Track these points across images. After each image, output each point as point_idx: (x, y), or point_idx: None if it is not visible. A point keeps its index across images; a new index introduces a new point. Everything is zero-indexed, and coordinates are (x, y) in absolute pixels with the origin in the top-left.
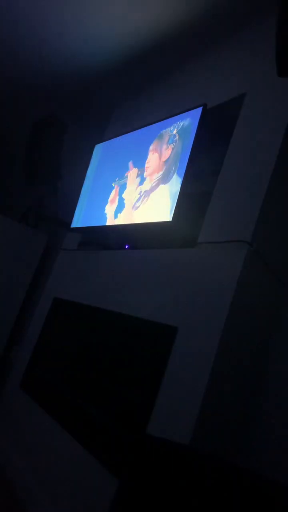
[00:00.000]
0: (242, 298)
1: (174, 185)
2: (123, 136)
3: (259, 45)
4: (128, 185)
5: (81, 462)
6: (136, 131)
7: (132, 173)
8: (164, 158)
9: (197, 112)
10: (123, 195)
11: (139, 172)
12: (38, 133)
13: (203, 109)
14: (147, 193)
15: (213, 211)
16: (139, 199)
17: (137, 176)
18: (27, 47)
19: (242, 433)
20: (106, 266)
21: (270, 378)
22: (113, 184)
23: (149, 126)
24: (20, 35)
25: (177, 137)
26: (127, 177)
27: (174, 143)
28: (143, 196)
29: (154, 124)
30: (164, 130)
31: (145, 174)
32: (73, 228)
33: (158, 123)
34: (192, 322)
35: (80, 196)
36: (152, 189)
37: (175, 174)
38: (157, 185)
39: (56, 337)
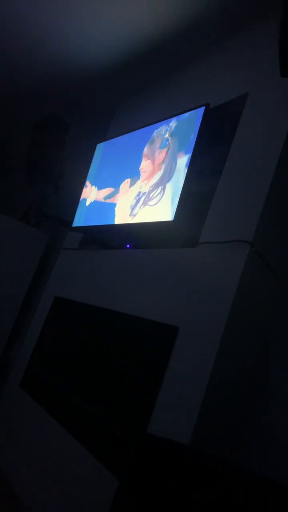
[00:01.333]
0: (243, 298)
1: (176, 183)
2: (124, 135)
3: (262, 45)
4: (120, 197)
5: (82, 461)
6: (137, 130)
7: (125, 184)
8: (158, 161)
9: (200, 112)
10: (116, 208)
11: (131, 182)
12: (39, 132)
13: (205, 109)
14: (147, 195)
15: (215, 211)
16: (136, 203)
17: (130, 186)
18: (28, 47)
19: (242, 433)
20: (107, 266)
21: (270, 378)
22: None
23: (149, 126)
24: (20, 35)
25: (170, 140)
26: (118, 191)
27: (167, 146)
28: (141, 200)
29: (155, 124)
30: (155, 134)
31: (140, 179)
32: (74, 227)
33: (158, 123)
34: (193, 322)
35: (82, 195)
36: (151, 190)
37: (175, 173)
38: (156, 186)
39: (57, 336)
